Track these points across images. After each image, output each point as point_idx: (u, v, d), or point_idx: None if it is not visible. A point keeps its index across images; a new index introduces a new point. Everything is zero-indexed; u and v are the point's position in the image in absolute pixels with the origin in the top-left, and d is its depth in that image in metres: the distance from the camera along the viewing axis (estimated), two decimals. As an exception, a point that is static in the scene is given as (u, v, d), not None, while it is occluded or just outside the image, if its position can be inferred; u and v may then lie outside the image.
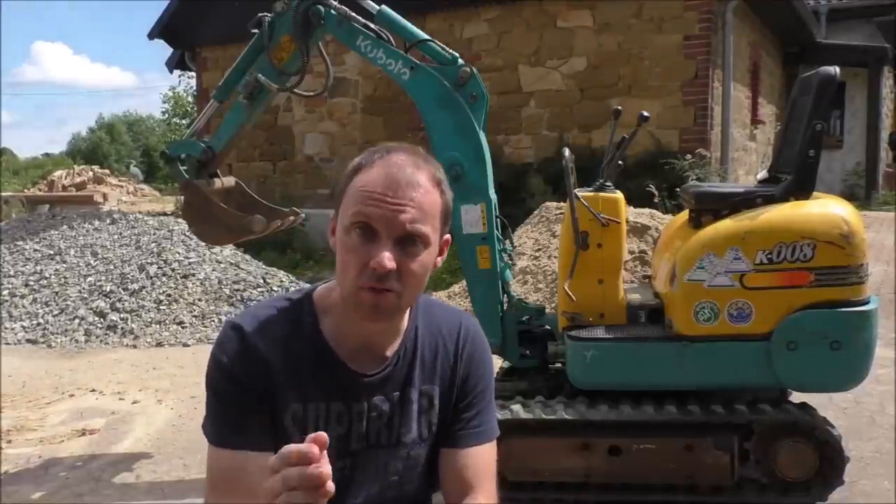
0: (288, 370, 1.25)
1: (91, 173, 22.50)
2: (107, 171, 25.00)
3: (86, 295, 6.87)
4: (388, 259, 1.13)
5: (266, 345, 1.24)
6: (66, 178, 21.61)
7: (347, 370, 1.27)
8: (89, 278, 7.15)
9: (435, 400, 1.33)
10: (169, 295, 6.78)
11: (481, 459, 1.33)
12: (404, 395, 1.31)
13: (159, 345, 6.16)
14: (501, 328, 3.13)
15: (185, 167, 3.42)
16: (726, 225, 2.73)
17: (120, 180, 23.87)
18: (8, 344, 6.22)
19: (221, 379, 1.25)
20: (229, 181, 3.60)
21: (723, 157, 9.03)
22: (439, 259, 1.26)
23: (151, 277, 7.00)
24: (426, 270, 1.20)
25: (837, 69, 2.80)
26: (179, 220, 8.10)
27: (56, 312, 6.68)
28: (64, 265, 7.47)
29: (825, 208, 2.71)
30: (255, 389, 1.23)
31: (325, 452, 0.92)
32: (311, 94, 3.72)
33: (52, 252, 7.74)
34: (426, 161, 1.23)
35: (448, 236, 1.27)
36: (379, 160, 1.19)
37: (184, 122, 27.57)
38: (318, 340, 1.27)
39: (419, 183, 1.17)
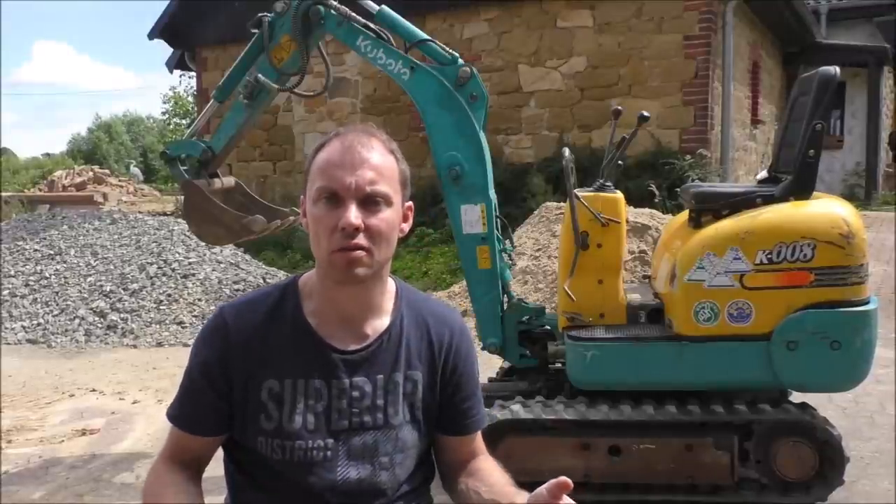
0: (267, 350, 1.32)
1: (91, 173, 22.51)
2: (107, 171, 25.01)
3: (86, 295, 6.87)
4: (354, 217, 1.24)
5: (243, 328, 1.33)
6: (66, 178, 21.61)
7: (326, 347, 1.33)
8: (89, 278, 7.15)
9: (419, 384, 1.39)
10: (169, 295, 6.78)
11: (480, 439, 1.50)
12: (391, 379, 1.36)
13: (159, 345, 6.16)
14: (501, 328, 3.13)
15: (185, 167, 3.42)
16: (726, 225, 2.73)
17: (120, 180, 23.87)
18: (8, 344, 6.23)
19: (196, 363, 1.35)
20: (229, 181, 3.60)
21: (723, 157, 9.03)
22: (405, 225, 1.36)
23: (151, 277, 7.01)
24: (392, 228, 1.30)
25: (837, 69, 2.80)
26: (179, 220, 8.11)
27: (56, 312, 6.68)
28: (64, 265, 7.47)
29: (825, 208, 2.71)
30: (224, 377, 1.32)
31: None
32: (311, 94, 3.72)
33: (52, 252, 7.74)
34: (378, 133, 1.34)
35: (410, 203, 1.38)
36: (335, 137, 1.31)
37: (184, 122, 27.55)
38: (300, 320, 1.34)
39: (373, 148, 1.29)
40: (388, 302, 1.39)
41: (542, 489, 1.14)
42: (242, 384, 1.32)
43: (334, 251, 1.25)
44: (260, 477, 1.34)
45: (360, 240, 1.24)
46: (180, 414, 1.36)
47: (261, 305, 1.36)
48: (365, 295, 1.33)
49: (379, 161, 1.28)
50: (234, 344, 1.32)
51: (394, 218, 1.30)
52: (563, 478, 1.11)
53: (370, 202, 1.26)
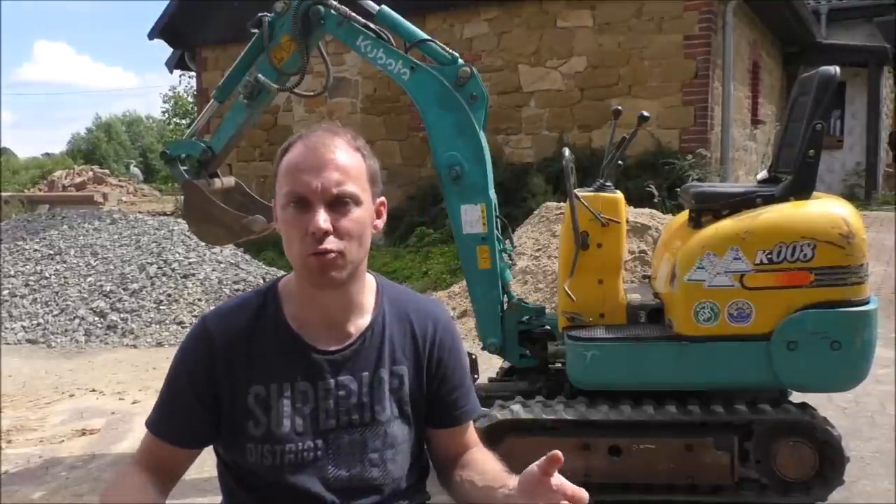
0: (250, 355, 1.32)
1: (91, 173, 22.51)
2: (107, 171, 25.02)
3: (86, 295, 6.87)
4: (323, 221, 1.23)
5: (226, 335, 1.33)
6: (66, 178, 21.61)
7: (310, 349, 1.33)
8: (89, 278, 7.15)
9: (405, 378, 1.39)
10: (169, 295, 6.78)
11: (472, 434, 1.50)
12: (376, 375, 1.36)
13: (159, 345, 6.16)
14: (501, 328, 3.13)
15: (185, 167, 3.42)
16: (726, 225, 2.72)
17: (120, 180, 23.87)
18: (8, 344, 6.23)
19: (177, 371, 1.36)
20: (229, 181, 3.60)
21: (723, 157, 9.03)
22: (379, 222, 1.36)
23: (151, 277, 7.00)
24: (362, 227, 1.29)
25: (837, 69, 2.80)
26: (179, 220, 8.10)
27: (56, 312, 6.68)
28: (64, 265, 7.47)
29: (825, 208, 2.71)
30: (210, 386, 1.32)
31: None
32: (311, 94, 3.72)
33: (52, 252, 7.74)
34: (343, 131, 1.33)
35: (383, 198, 1.37)
36: (299, 140, 1.31)
37: (184, 122, 27.54)
38: (282, 324, 1.35)
39: (338, 148, 1.28)
40: (369, 299, 1.39)
41: (534, 466, 1.14)
42: (229, 391, 1.32)
43: (307, 255, 1.24)
44: (251, 481, 1.34)
45: (331, 243, 1.24)
46: (160, 423, 1.35)
47: (243, 311, 1.36)
48: (344, 295, 1.33)
49: (344, 161, 1.27)
50: (218, 351, 1.32)
51: (364, 216, 1.29)
52: (554, 452, 1.10)
53: (338, 203, 1.25)
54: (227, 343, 1.32)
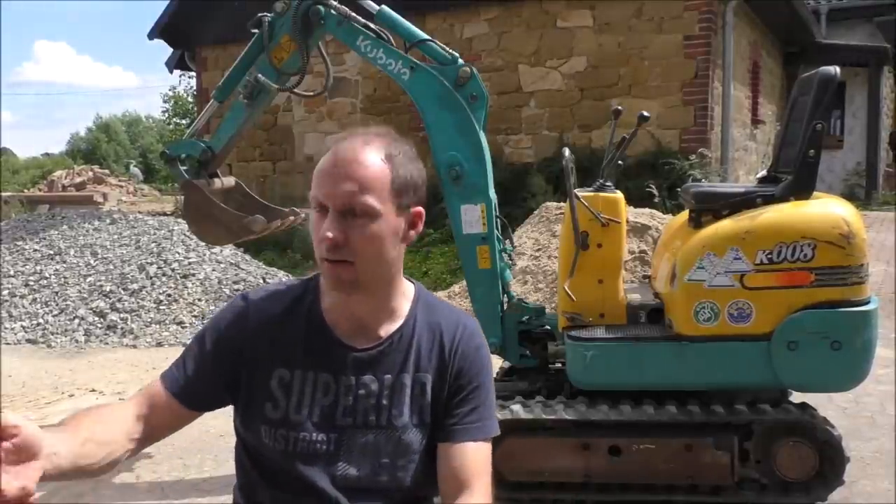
0: (280, 339, 1.35)
1: (91, 173, 22.52)
2: (106, 172, 25.03)
3: (86, 295, 6.87)
4: (330, 230, 1.23)
5: (263, 314, 1.37)
6: (66, 178, 21.62)
7: (338, 343, 1.35)
8: (89, 278, 7.14)
9: (427, 387, 1.37)
10: (169, 295, 6.78)
11: (475, 456, 1.34)
12: (398, 380, 1.35)
13: (159, 345, 6.16)
14: (501, 328, 3.13)
15: (185, 167, 3.42)
16: (726, 225, 2.73)
17: (120, 180, 23.88)
18: (8, 344, 6.22)
19: (207, 332, 1.38)
20: (229, 181, 3.60)
21: (723, 157, 9.03)
22: (413, 232, 1.33)
23: (151, 277, 7.00)
24: (378, 242, 1.26)
25: (837, 69, 2.80)
26: (179, 220, 8.10)
27: (56, 312, 6.68)
28: (64, 265, 7.46)
29: (825, 208, 2.71)
30: (233, 359, 1.34)
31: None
32: (311, 94, 3.72)
33: (52, 252, 7.74)
34: (379, 138, 1.30)
35: (419, 209, 1.33)
36: (334, 145, 1.29)
37: (184, 122, 27.55)
38: (315, 315, 1.37)
39: (362, 157, 1.25)
40: (404, 305, 1.39)
41: None
42: (252, 370, 1.34)
43: (321, 259, 1.27)
44: (264, 463, 1.35)
45: (341, 254, 1.24)
46: (171, 374, 1.37)
47: (283, 297, 1.40)
48: (370, 299, 1.34)
49: (365, 171, 1.24)
50: (250, 329, 1.35)
51: (382, 230, 1.26)
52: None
53: (351, 214, 1.24)
54: (260, 323, 1.35)
